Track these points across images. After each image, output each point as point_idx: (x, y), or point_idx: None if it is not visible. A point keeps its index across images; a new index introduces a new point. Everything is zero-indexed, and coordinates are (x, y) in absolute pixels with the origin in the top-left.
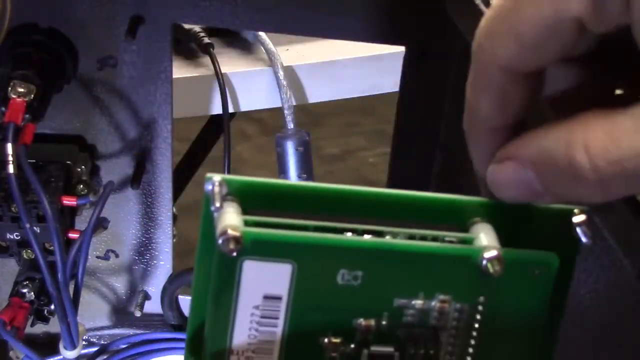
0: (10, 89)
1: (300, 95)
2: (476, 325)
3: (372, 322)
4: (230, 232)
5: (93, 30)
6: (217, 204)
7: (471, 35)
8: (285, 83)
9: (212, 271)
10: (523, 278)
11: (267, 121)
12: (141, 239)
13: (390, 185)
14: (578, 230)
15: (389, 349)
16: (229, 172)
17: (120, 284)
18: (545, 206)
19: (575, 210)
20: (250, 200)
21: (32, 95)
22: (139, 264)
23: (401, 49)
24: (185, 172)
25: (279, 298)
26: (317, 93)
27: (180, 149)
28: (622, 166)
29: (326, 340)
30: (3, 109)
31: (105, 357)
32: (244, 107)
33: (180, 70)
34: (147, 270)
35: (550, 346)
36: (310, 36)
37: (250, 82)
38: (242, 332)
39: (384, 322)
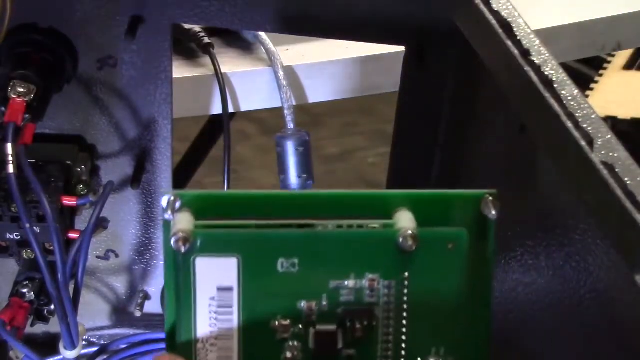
0: (10, 89)
1: (300, 95)
2: (405, 299)
3: (314, 303)
4: (180, 233)
5: (93, 30)
6: (170, 213)
7: (471, 35)
8: (285, 83)
9: (172, 271)
10: (438, 253)
11: (267, 121)
12: (141, 239)
13: (390, 185)
14: (484, 208)
15: (332, 327)
16: (229, 173)
17: (120, 284)
18: (457, 192)
19: (484, 193)
20: (201, 210)
21: (32, 95)
22: (139, 264)
23: (401, 49)
24: (185, 172)
25: (230, 289)
26: (317, 93)
27: (180, 149)
28: None
29: (277, 323)
30: (3, 109)
31: (105, 357)
32: (244, 107)
33: (180, 70)
34: (147, 270)
35: (482, 315)
36: (310, 36)
37: (250, 82)
38: (204, 322)
39: (324, 303)
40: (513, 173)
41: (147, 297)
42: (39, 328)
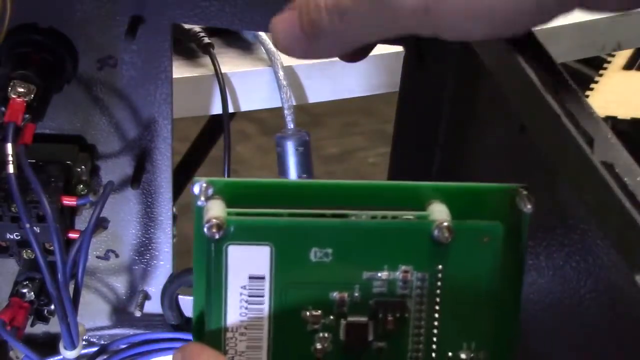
0: (10, 89)
1: (300, 95)
2: (438, 292)
3: (346, 294)
4: (214, 220)
5: (93, 30)
6: (203, 199)
7: None
8: (285, 83)
9: (204, 258)
10: (473, 246)
11: (267, 121)
12: (141, 239)
13: None
14: (520, 202)
15: (364, 319)
16: (229, 173)
17: (120, 284)
18: (491, 185)
19: (517, 186)
20: (233, 197)
21: (32, 95)
22: (139, 264)
23: (401, 48)
24: (185, 172)
25: (262, 278)
26: (317, 93)
27: (180, 149)
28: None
29: (307, 313)
30: (3, 109)
31: (105, 357)
32: (244, 107)
33: (180, 70)
34: (147, 270)
35: (512, 310)
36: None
37: (250, 82)
38: (234, 311)
39: (356, 294)
40: (513, 173)
41: (147, 297)
42: (39, 328)
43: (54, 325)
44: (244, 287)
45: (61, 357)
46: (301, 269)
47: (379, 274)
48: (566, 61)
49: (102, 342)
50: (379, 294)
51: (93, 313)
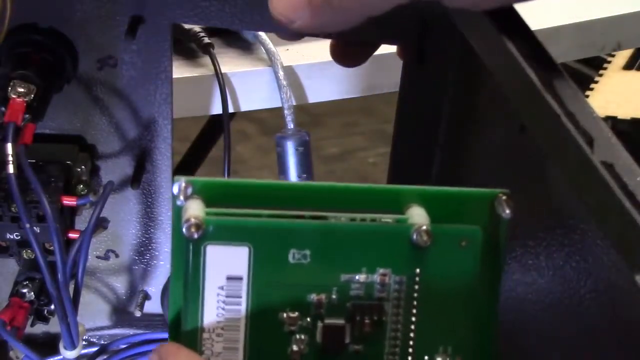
0: (10, 89)
1: (300, 95)
2: (415, 295)
3: (323, 296)
4: (192, 220)
5: (93, 30)
6: (182, 199)
7: (471, 36)
8: (285, 83)
9: (182, 258)
10: (452, 250)
11: (267, 121)
12: (141, 239)
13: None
14: (498, 207)
15: (340, 321)
16: (229, 172)
17: (120, 284)
18: (471, 190)
19: (498, 192)
20: (212, 197)
21: (32, 95)
22: (139, 264)
23: None
24: (185, 172)
25: (240, 278)
26: (317, 93)
27: (180, 149)
28: None
29: (285, 315)
30: (3, 109)
31: (105, 357)
32: (244, 107)
33: (180, 70)
34: (147, 270)
35: (490, 315)
36: (310, 36)
37: (250, 82)
38: (211, 311)
39: (333, 296)
40: (513, 173)
41: (147, 297)
42: (39, 328)
43: (54, 325)
44: (221, 288)
45: (61, 357)
46: (279, 270)
47: (357, 277)
48: (566, 61)
49: (102, 342)
50: (356, 297)
51: (93, 313)
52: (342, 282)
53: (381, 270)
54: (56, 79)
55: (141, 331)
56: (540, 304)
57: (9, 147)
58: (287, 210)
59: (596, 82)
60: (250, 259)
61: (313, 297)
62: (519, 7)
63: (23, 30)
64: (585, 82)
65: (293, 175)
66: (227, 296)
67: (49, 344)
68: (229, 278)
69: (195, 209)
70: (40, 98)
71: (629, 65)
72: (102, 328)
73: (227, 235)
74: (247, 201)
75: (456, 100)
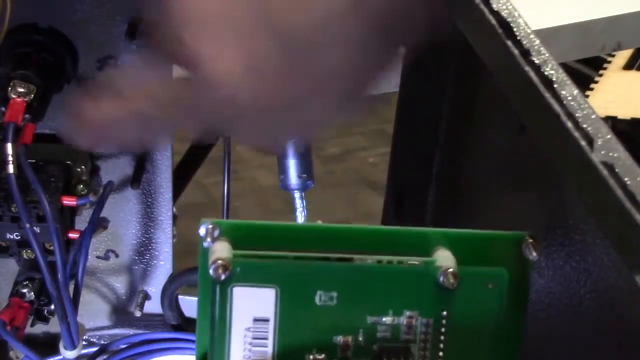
0: (10, 89)
1: None
2: (442, 337)
3: (350, 338)
4: (220, 261)
5: (93, 30)
6: (209, 240)
7: (471, 35)
8: None
9: (208, 300)
10: (478, 291)
11: None
12: (141, 239)
13: (391, 185)
14: (525, 250)
15: None
16: (229, 173)
17: (120, 284)
18: (497, 232)
19: (524, 234)
20: (239, 239)
21: (32, 95)
22: (139, 264)
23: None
24: (185, 172)
25: (267, 320)
26: None
27: (180, 149)
28: None
29: (311, 357)
30: (3, 109)
31: (105, 357)
32: None
33: (181, 70)
34: (147, 270)
35: (515, 354)
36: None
37: None
38: (238, 353)
39: (360, 338)
40: (513, 173)
41: (147, 297)
42: (39, 328)
43: (54, 325)
44: (248, 329)
45: (61, 357)
46: (306, 312)
47: (384, 319)
48: (566, 61)
49: (102, 342)
50: (382, 339)
51: (93, 313)
52: (369, 324)
53: (408, 313)
54: (56, 79)
55: (141, 331)
56: (540, 304)
57: (9, 147)
58: (314, 252)
59: (596, 82)
60: (277, 301)
61: (339, 339)
62: (519, 7)
63: (23, 30)
64: (585, 82)
65: (293, 176)
66: (253, 338)
67: (49, 344)
68: (256, 320)
69: (222, 251)
70: (40, 98)
71: (629, 65)
72: (102, 328)
73: (254, 276)
74: (274, 242)
75: (456, 100)
